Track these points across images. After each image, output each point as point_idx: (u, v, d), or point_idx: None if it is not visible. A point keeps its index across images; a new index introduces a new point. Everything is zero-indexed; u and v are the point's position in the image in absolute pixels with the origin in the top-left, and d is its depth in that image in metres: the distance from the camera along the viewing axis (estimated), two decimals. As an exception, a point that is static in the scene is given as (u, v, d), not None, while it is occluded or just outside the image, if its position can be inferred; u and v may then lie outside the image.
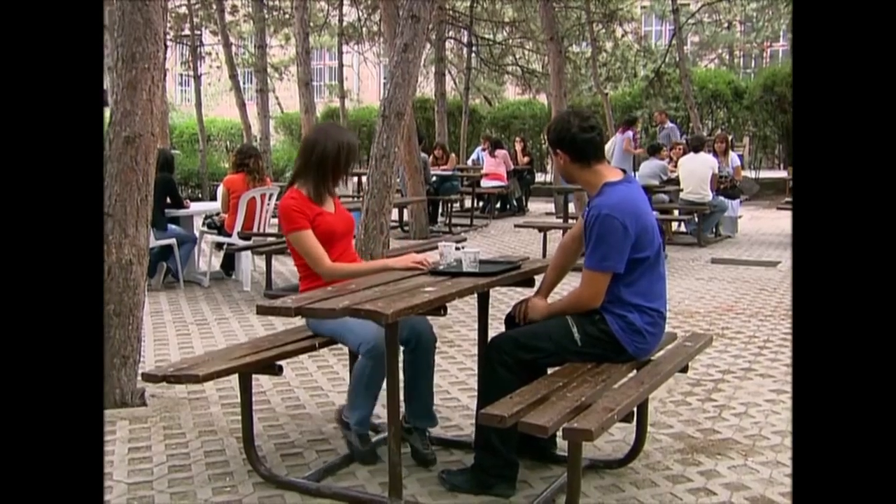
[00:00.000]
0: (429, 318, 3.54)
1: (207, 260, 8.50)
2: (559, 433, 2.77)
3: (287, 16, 21.13)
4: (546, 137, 3.46)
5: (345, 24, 22.35)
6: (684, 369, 3.65)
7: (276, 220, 9.88)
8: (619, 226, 3.16)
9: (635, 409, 3.26)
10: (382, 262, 3.77)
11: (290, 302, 3.10)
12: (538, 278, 3.69)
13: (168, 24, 17.81)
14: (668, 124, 15.96)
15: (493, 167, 14.68)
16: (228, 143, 27.74)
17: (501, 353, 3.26)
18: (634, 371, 3.37)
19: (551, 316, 3.36)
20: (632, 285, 3.26)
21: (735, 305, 7.01)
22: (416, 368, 3.56)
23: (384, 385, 3.27)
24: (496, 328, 3.64)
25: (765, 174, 19.42)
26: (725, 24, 27.16)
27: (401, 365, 3.36)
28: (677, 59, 18.60)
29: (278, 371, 3.51)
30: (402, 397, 3.39)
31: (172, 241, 7.81)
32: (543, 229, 9.73)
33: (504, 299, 6.97)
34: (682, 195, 10.82)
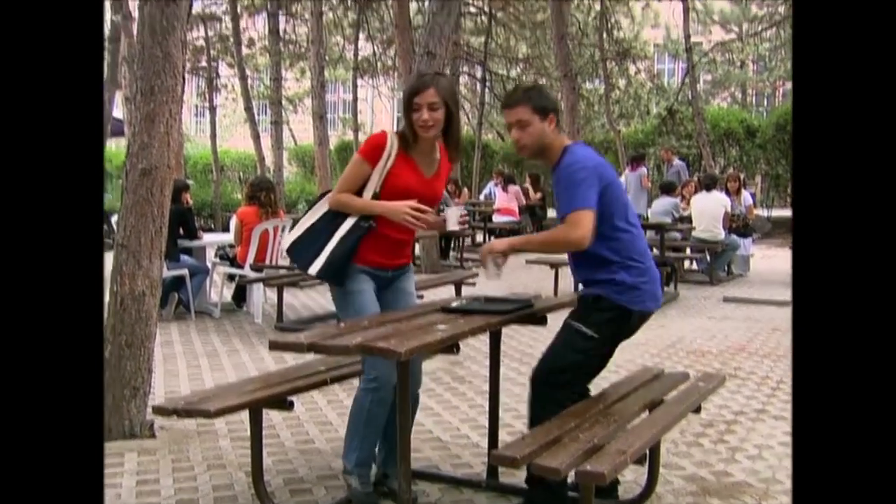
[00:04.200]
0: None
1: (219, 291, 8.51)
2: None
3: (303, 49, 21.36)
4: (530, 103, 3.34)
5: (360, 58, 22.58)
6: (697, 410, 3.62)
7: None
8: (584, 167, 3.23)
9: (647, 451, 3.23)
10: (381, 204, 3.40)
11: (302, 338, 3.10)
12: (550, 316, 3.67)
13: (185, 57, 18.00)
14: (676, 162, 15.95)
15: (505, 202, 14.73)
16: (242, 173, 27.99)
17: (545, 385, 3.31)
18: (647, 412, 3.34)
19: (517, 249, 3.39)
20: (610, 241, 3.29)
21: (747, 345, 6.97)
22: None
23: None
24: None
25: (777, 213, 19.39)
26: (738, 63, 27.35)
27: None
28: (690, 97, 18.71)
29: (289, 406, 3.50)
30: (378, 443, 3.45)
31: (184, 271, 7.83)
32: (555, 266, 9.70)
33: (516, 336, 6.95)
34: (694, 233, 10.82)
